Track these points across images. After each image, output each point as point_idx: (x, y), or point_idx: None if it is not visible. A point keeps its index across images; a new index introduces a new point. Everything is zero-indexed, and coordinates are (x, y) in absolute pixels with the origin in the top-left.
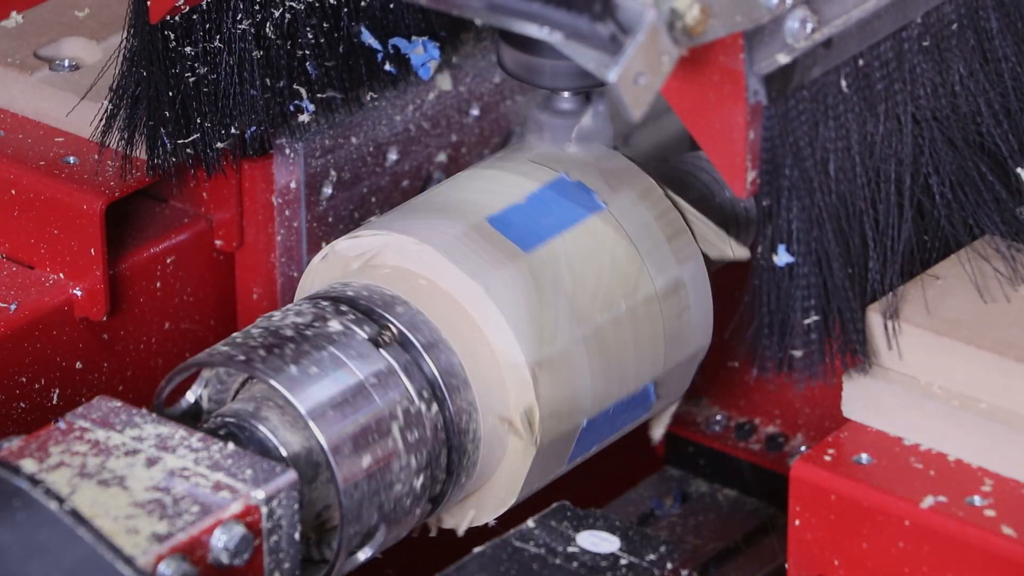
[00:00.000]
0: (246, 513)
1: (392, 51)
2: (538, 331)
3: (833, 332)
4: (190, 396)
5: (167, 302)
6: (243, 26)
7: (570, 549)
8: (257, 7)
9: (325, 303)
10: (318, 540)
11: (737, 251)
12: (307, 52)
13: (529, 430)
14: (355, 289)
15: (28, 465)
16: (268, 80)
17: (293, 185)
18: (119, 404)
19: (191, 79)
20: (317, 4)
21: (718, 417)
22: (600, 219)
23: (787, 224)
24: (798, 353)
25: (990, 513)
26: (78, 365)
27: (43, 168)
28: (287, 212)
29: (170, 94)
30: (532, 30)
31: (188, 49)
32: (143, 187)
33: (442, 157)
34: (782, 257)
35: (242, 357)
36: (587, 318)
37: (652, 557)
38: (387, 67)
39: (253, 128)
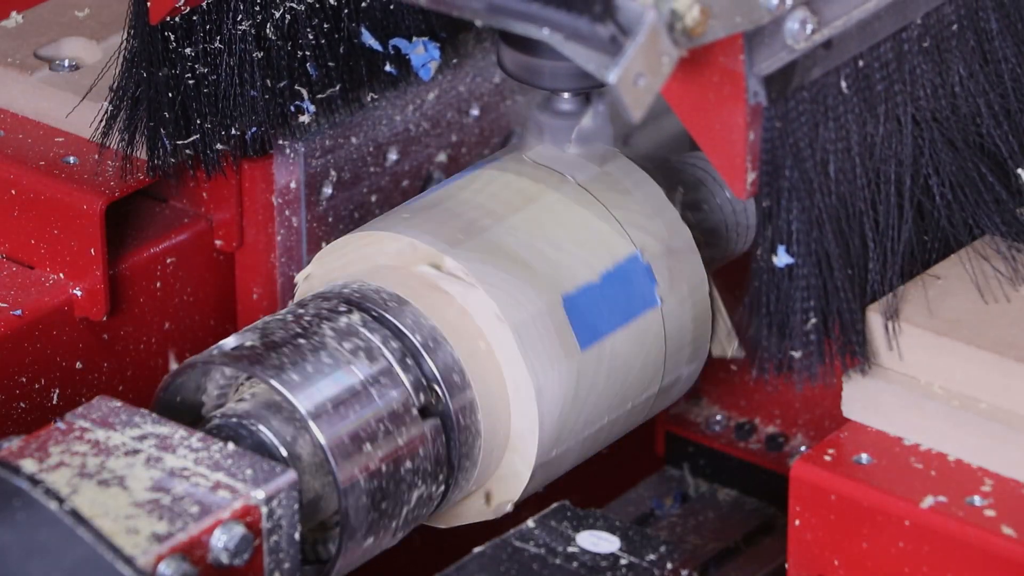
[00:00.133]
0: (246, 513)
1: (392, 51)
2: (555, 437)
3: (833, 333)
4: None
5: (167, 302)
6: (243, 27)
7: (570, 549)
8: (257, 8)
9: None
10: (318, 540)
11: (735, 352)
12: (307, 53)
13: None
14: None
15: (28, 465)
16: (268, 81)
17: (293, 185)
18: (119, 404)
19: (191, 80)
20: (317, 5)
21: (718, 417)
22: (650, 318)
23: (787, 225)
24: (798, 354)
25: (990, 513)
26: (78, 365)
27: (43, 168)
28: (287, 212)
29: (170, 95)
30: (532, 31)
31: (188, 50)
32: (143, 187)
33: (442, 157)
34: (782, 258)
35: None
36: (596, 421)
37: (652, 557)
38: (388, 68)
39: (253, 129)
